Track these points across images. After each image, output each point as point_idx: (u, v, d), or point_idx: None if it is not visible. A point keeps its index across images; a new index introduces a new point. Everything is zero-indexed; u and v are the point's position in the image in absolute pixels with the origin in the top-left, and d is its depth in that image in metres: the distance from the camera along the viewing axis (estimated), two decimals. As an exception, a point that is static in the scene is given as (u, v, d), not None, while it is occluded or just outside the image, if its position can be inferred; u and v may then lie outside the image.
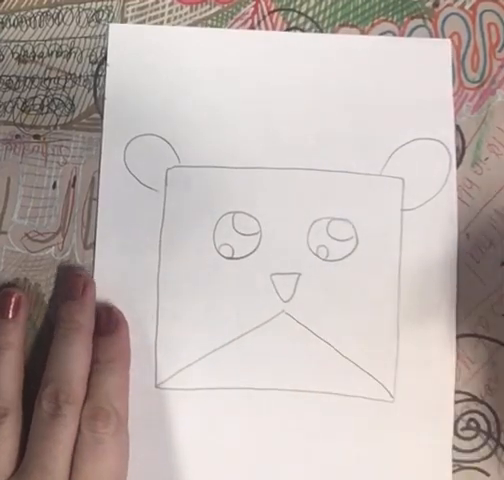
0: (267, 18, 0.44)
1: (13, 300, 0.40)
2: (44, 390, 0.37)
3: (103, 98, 0.43)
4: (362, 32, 0.44)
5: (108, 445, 0.37)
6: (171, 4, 0.44)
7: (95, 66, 0.43)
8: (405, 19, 0.44)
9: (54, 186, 0.42)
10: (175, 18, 0.44)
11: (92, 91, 0.43)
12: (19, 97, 0.43)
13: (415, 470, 0.40)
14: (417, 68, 0.43)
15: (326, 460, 0.40)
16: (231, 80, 0.43)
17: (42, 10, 0.43)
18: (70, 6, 0.43)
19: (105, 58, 0.43)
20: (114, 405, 0.38)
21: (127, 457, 0.38)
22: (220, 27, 0.44)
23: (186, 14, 0.44)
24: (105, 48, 0.43)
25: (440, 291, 0.42)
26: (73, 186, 0.42)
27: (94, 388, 0.38)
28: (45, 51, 0.43)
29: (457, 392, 0.41)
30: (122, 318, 0.41)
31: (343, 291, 0.41)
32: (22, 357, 0.39)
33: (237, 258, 0.42)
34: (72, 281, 0.41)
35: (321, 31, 0.44)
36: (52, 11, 0.43)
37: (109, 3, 0.44)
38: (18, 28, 0.43)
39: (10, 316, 0.39)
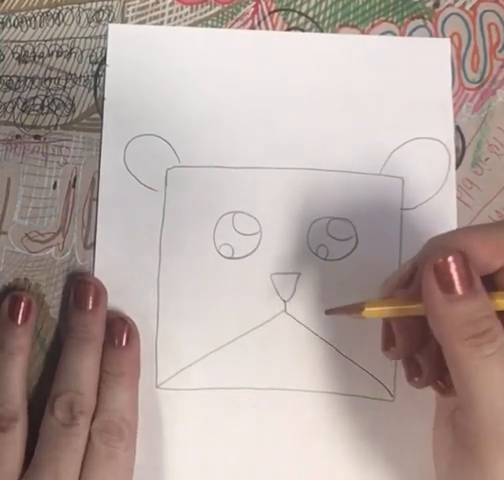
0: (267, 18, 0.44)
1: (23, 305, 0.39)
2: (57, 399, 0.37)
3: (103, 98, 0.43)
4: (362, 32, 0.44)
5: (120, 459, 0.37)
6: (171, 4, 0.44)
7: (95, 66, 0.43)
8: (405, 19, 0.44)
9: (54, 186, 0.42)
10: (175, 18, 0.44)
11: (92, 91, 0.43)
12: (19, 97, 0.43)
13: (416, 469, 0.40)
14: (416, 67, 0.43)
15: (326, 460, 0.40)
16: (231, 80, 0.43)
17: (42, 10, 0.43)
18: (70, 6, 0.43)
19: (105, 58, 0.43)
20: (126, 418, 0.38)
21: (133, 469, 0.39)
22: (220, 27, 0.44)
23: (186, 14, 0.44)
24: (105, 48, 0.43)
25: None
26: (73, 186, 0.42)
27: (107, 402, 0.38)
28: (45, 51, 0.43)
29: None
30: (134, 329, 0.40)
31: (343, 290, 0.41)
32: (28, 362, 0.39)
33: (237, 258, 0.42)
34: (83, 289, 0.40)
35: (321, 31, 0.44)
36: (52, 11, 0.43)
37: (109, 3, 0.44)
38: (18, 28, 0.43)
39: (20, 321, 0.39)
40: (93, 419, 0.38)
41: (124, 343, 0.40)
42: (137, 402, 0.39)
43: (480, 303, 0.30)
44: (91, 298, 0.40)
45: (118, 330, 0.40)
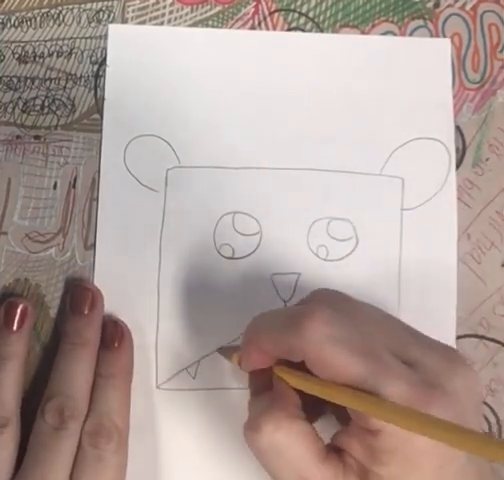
0: (268, 19, 0.44)
1: (18, 311, 0.39)
2: (48, 403, 0.37)
3: (103, 99, 0.43)
4: (363, 32, 0.44)
5: (109, 462, 0.37)
6: (172, 5, 0.44)
7: (96, 67, 0.43)
8: (406, 20, 0.44)
9: (55, 187, 0.42)
10: (176, 19, 0.44)
11: (93, 92, 0.43)
12: (20, 98, 0.43)
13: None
14: (417, 67, 0.43)
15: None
16: (231, 80, 0.43)
17: (43, 11, 0.43)
18: (71, 6, 0.43)
19: (106, 59, 0.43)
20: (116, 421, 0.38)
21: (125, 473, 0.38)
22: (221, 28, 0.44)
23: (187, 15, 0.44)
24: (106, 49, 0.43)
25: (440, 291, 0.42)
26: (74, 187, 0.42)
27: (97, 404, 0.38)
28: (46, 52, 0.43)
29: (458, 393, 0.41)
30: (127, 332, 0.40)
31: (343, 291, 0.41)
32: (24, 367, 0.39)
33: (237, 258, 0.42)
34: (80, 295, 0.40)
35: (322, 32, 0.44)
36: (53, 12, 0.43)
37: (110, 4, 0.44)
38: (19, 29, 0.43)
39: (15, 328, 0.39)
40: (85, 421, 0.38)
41: (116, 345, 0.40)
42: (129, 404, 0.39)
43: None
44: (87, 304, 0.40)
45: (110, 332, 0.40)
